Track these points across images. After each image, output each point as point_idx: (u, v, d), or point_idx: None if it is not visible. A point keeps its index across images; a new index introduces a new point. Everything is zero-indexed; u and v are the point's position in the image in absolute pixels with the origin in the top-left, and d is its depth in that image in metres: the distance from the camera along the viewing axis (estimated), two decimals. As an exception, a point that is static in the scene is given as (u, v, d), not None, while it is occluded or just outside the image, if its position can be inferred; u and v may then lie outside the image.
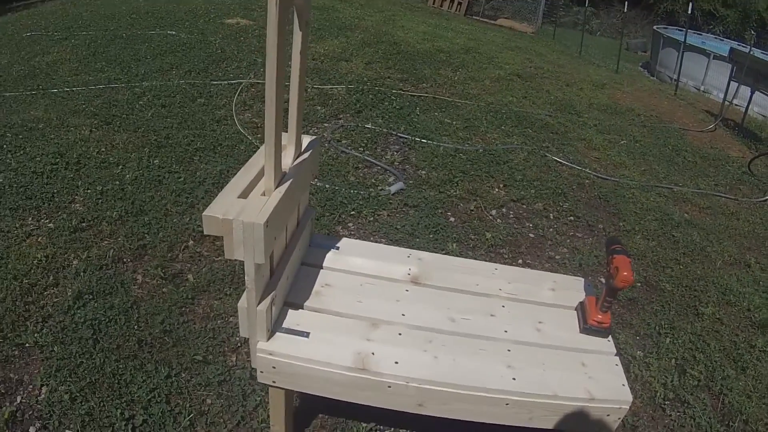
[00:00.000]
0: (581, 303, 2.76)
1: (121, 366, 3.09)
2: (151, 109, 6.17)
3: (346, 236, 3.99)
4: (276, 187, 2.15)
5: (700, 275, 5.09)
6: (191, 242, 4.15)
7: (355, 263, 2.79)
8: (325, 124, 6.64)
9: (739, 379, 3.98)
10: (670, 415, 3.58)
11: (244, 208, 1.96)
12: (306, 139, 2.59)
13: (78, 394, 2.90)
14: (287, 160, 2.37)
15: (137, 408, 2.88)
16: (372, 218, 4.86)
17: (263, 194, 2.12)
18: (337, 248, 2.87)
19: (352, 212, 4.89)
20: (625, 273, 2.39)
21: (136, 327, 3.38)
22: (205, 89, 7.06)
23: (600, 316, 2.60)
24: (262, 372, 2.26)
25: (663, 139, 8.80)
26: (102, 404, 2.88)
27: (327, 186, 5.18)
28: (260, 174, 2.20)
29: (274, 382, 2.29)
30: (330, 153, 5.91)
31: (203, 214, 1.92)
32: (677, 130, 9.58)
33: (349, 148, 6.10)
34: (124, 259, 3.90)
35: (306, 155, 2.49)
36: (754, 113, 12.13)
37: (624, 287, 2.47)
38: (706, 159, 8.41)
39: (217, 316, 3.56)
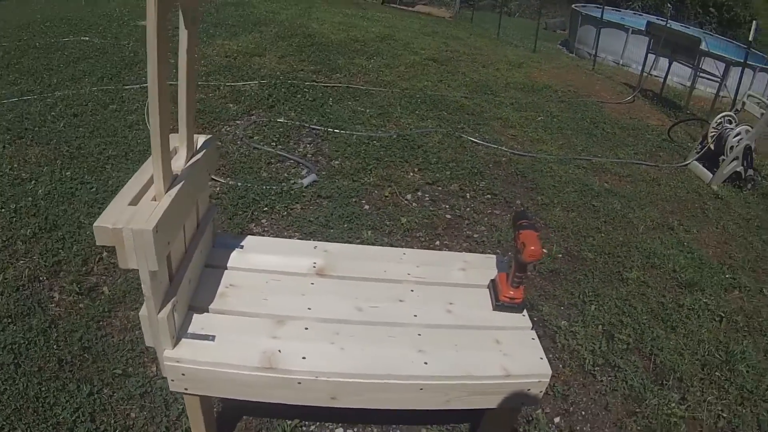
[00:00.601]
0: (492, 280, 2.72)
1: (44, 389, 2.97)
2: (63, 120, 5.96)
3: (259, 233, 3.93)
4: (167, 191, 2.05)
5: (622, 241, 5.12)
6: (105, 254, 4.00)
7: (259, 261, 2.71)
8: (237, 122, 6.52)
9: (669, 339, 4.02)
10: (602, 380, 3.58)
11: (133, 216, 1.86)
12: (200, 139, 2.50)
13: (4, 423, 2.78)
14: (179, 162, 2.28)
15: (63, 430, 2.77)
16: (285, 213, 4.77)
17: (154, 199, 2.01)
18: (242, 247, 2.77)
19: (265, 208, 4.78)
20: (533, 247, 2.36)
21: (55, 347, 3.24)
22: (117, 95, 6.86)
23: (512, 292, 2.57)
24: (173, 380, 2.17)
25: (581, 113, 8.91)
26: (29, 431, 2.76)
27: (239, 184, 5.08)
28: (152, 180, 2.08)
29: (186, 389, 2.21)
30: (242, 150, 5.80)
31: (94, 225, 1.82)
32: (595, 103, 9.72)
33: (262, 143, 6.00)
34: (41, 278, 3.74)
35: (200, 155, 2.40)
36: (674, 83, 12.36)
37: (532, 261, 2.45)
38: (625, 129, 8.53)
39: (135, 327, 3.44)
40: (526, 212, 2.99)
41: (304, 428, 2.99)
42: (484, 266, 2.86)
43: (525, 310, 2.61)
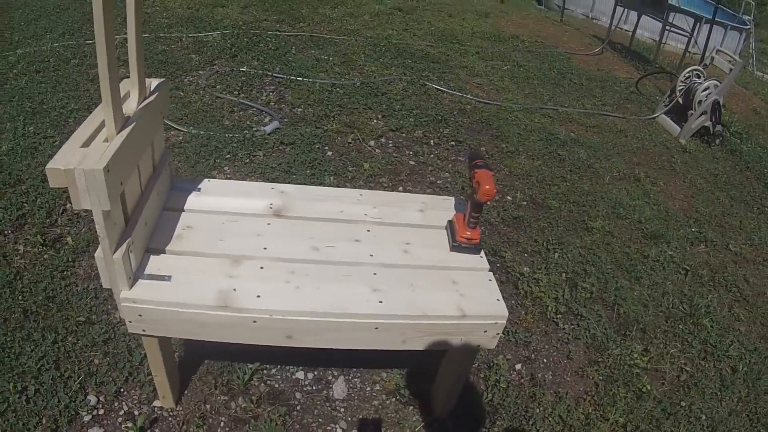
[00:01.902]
0: (450, 221, 2.70)
1: (9, 339, 2.96)
2: (25, 77, 5.82)
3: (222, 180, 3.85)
4: (118, 132, 2.02)
5: (588, 191, 5.12)
6: (69, 205, 3.95)
7: (216, 203, 2.68)
8: (200, 72, 6.41)
9: (633, 289, 4.05)
10: (564, 329, 3.61)
11: (85, 156, 1.84)
12: (153, 83, 2.46)
13: None
14: (131, 105, 2.25)
15: (29, 378, 2.77)
16: (248, 160, 4.72)
17: (106, 141, 1.99)
18: (199, 190, 2.74)
19: (228, 156, 4.73)
20: (487, 186, 2.34)
21: (20, 297, 3.23)
22: (79, 50, 6.70)
23: (469, 233, 2.55)
24: (130, 322, 2.17)
25: (548, 63, 8.90)
26: None
27: (201, 133, 5.01)
28: (104, 123, 2.05)
29: (143, 330, 2.21)
30: (205, 100, 5.71)
31: (46, 167, 1.80)
32: (563, 54, 9.70)
33: (224, 92, 5.92)
34: (5, 232, 3.71)
35: (152, 98, 2.36)
36: (644, 38, 12.35)
37: (486, 200, 2.42)
38: (593, 80, 8.53)
39: (98, 276, 3.38)
40: (480, 152, 2.96)
41: (264, 371, 3.00)
42: (441, 207, 2.85)
43: (482, 251, 2.59)
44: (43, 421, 2.59)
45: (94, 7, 1.71)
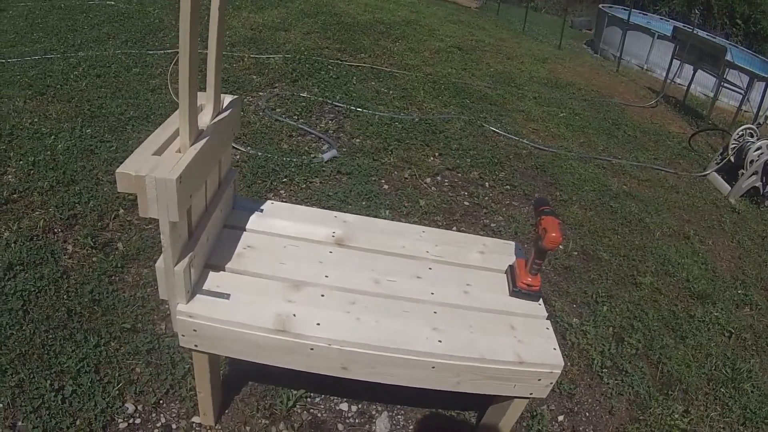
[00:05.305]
0: (511, 266, 2.69)
1: (50, 336, 2.98)
2: (86, 79, 5.94)
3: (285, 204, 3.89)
4: (192, 144, 2.04)
5: (638, 245, 5.08)
6: (122, 211, 3.99)
7: (278, 225, 2.70)
8: (260, 93, 6.48)
9: (678, 348, 3.98)
10: (608, 383, 3.55)
11: (157, 165, 1.85)
12: (227, 99, 2.49)
13: (8, 366, 2.78)
14: (205, 119, 2.26)
15: (66, 378, 2.77)
16: (304, 185, 4.74)
17: (178, 151, 2.00)
18: (262, 211, 2.77)
19: (284, 179, 4.76)
20: (554, 234, 2.33)
21: (65, 297, 3.24)
22: (140, 59, 6.83)
23: (530, 279, 2.54)
24: (183, 336, 2.18)
25: (603, 113, 8.86)
26: (32, 376, 2.76)
27: (260, 154, 5.05)
28: (177, 133, 2.07)
29: (195, 345, 2.21)
30: (264, 121, 5.76)
31: (116, 171, 1.80)
32: (618, 104, 9.66)
33: (284, 116, 5.96)
34: (55, 230, 3.75)
35: (225, 114, 2.38)
36: (697, 92, 12.28)
37: (552, 248, 2.42)
38: (647, 133, 8.47)
39: (147, 284, 3.44)
40: (547, 199, 2.97)
41: (309, 399, 2.98)
42: (502, 251, 2.84)
43: (541, 299, 2.59)
44: (77, 422, 2.60)
45: (181, 15, 1.73)
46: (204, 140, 2.08)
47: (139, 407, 2.75)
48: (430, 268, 2.62)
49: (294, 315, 2.18)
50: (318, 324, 2.17)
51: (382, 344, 2.15)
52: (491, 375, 2.24)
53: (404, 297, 2.42)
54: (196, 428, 2.73)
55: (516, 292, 2.56)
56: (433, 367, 2.19)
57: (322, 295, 2.32)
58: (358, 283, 2.43)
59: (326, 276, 2.43)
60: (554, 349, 2.34)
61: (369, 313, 2.27)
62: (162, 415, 2.76)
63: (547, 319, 2.51)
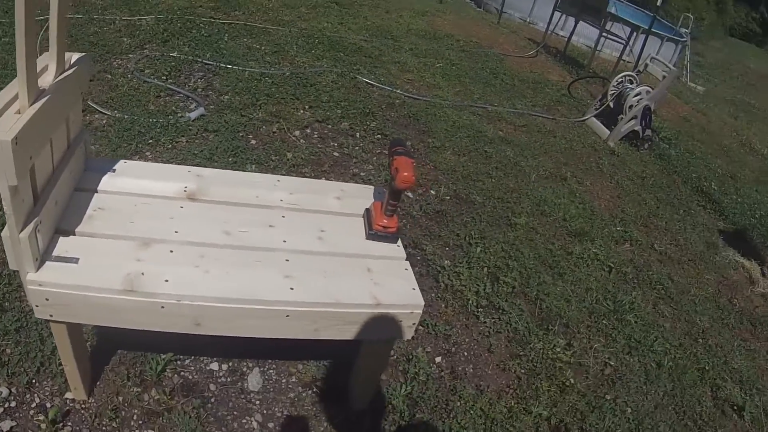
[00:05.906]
0: (367, 209, 2.68)
1: None
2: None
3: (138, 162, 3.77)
4: (31, 104, 1.94)
5: (513, 188, 5.15)
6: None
7: (130, 184, 2.59)
8: (130, 55, 6.24)
9: (556, 285, 4.09)
10: (485, 322, 3.60)
11: None
12: (74, 57, 2.38)
13: None
14: (48, 78, 2.16)
15: None
16: (170, 145, 4.61)
17: (18, 113, 1.90)
18: (114, 171, 2.65)
19: (150, 141, 4.61)
20: (406, 173, 2.33)
21: None
22: (11, 28, 6.52)
23: (385, 220, 2.53)
24: (37, 306, 2.07)
25: (481, 63, 8.97)
26: None
27: (126, 117, 4.86)
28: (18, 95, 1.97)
29: (51, 315, 2.11)
30: (132, 83, 5.55)
31: None
32: (497, 55, 9.80)
33: (152, 77, 5.78)
34: None
35: (70, 71, 2.28)
36: (579, 44, 12.50)
37: (405, 188, 2.41)
38: (525, 82, 8.63)
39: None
40: (403, 140, 2.93)
41: (179, 362, 2.92)
42: (360, 196, 2.82)
43: (399, 240, 2.58)
44: (-50, 416, 2.46)
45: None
46: (43, 99, 1.98)
47: (13, 389, 2.63)
48: (283, 216, 2.58)
49: (142, 274, 2.11)
50: (167, 280, 2.10)
51: (233, 296, 2.11)
52: (349, 320, 2.23)
53: (256, 247, 2.38)
54: (70, 404, 2.63)
55: (372, 234, 2.54)
56: (287, 316, 2.16)
57: (171, 251, 2.26)
58: (208, 236, 2.38)
59: (176, 231, 2.36)
60: (413, 289, 2.34)
61: (219, 266, 2.22)
62: (36, 394, 2.64)
63: (405, 260, 2.51)
